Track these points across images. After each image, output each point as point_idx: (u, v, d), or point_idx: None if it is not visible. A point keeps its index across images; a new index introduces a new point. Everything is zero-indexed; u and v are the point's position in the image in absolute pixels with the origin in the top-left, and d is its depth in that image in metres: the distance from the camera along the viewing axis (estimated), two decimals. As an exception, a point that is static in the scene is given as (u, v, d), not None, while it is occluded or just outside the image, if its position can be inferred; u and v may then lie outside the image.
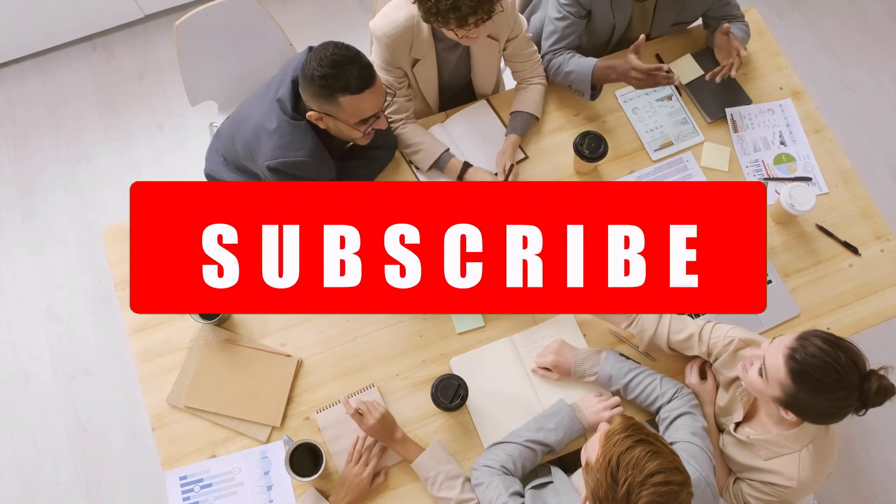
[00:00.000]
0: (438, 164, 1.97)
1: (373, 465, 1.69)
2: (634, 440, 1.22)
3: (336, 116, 1.62)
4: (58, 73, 3.08)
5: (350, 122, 1.63)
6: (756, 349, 1.49)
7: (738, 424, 1.61)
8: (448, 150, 1.98)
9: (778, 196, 1.92)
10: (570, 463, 1.84)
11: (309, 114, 1.64)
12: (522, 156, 2.04)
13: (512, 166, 1.91)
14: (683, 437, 1.53)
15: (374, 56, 1.94)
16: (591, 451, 1.28)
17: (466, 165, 1.97)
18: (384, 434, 1.67)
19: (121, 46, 3.12)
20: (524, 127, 2.01)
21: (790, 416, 1.42)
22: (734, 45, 1.92)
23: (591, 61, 1.96)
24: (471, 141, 2.05)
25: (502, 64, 2.13)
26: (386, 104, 1.67)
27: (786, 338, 1.40)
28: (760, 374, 1.42)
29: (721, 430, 1.69)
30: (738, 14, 2.06)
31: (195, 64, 2.19)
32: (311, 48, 1.66)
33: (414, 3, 1.69)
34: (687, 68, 2.11)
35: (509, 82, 2.29)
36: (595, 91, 2.01)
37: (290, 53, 2.33)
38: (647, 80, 1.85)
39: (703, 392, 1.70)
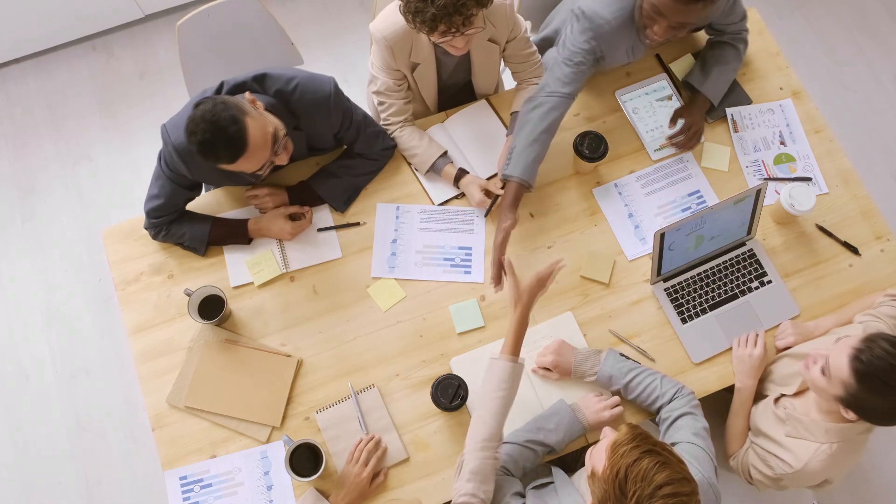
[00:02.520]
0: (434, 169, 1.98)
1: (372, 466, 1.69)
2: (642, 451, 1.21)
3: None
4: (58, 73, 3.08)
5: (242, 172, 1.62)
6: (821, 348, 1.52)
7: (783, 396, 1.65)
8: (444, 154, 1.98)
9: (778, 196, 1.92)
10: (570, 463, 1.84)
11: None
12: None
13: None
14: (685, 438, 1.53)
15: (373, 57, 1.94)
16: (598, 460, 1.27)
17: (461, 173, 1.96)
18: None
19: (121, 46, 3.12)
20: (525, 127, 2.00)
21: (850, 415, 1.44)
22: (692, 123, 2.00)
23: (524, 171, 1.81)
24: (471, 141, 2.04)
25: (502, 65, 2.12)
26: (278, 145, 1.61)
27: (851, 338, 1.42)
28: (823, 373, 1.44)
29: (764, 395, 1.73)
30: (742, 23, 2.00)
31: (196, 64, 2.19)
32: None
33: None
34: (687, 69, 2.11)
35: (508, 82, 2.29)
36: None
37: (291, 53, 2.33)
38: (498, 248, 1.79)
39: (760, 363, 1.75)
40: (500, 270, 1.78)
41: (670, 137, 2.01)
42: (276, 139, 1.60)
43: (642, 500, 1.18)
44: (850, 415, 1.44)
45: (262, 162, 1.59)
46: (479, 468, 1.48)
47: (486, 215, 1.97)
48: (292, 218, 1.93)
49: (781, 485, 1.62)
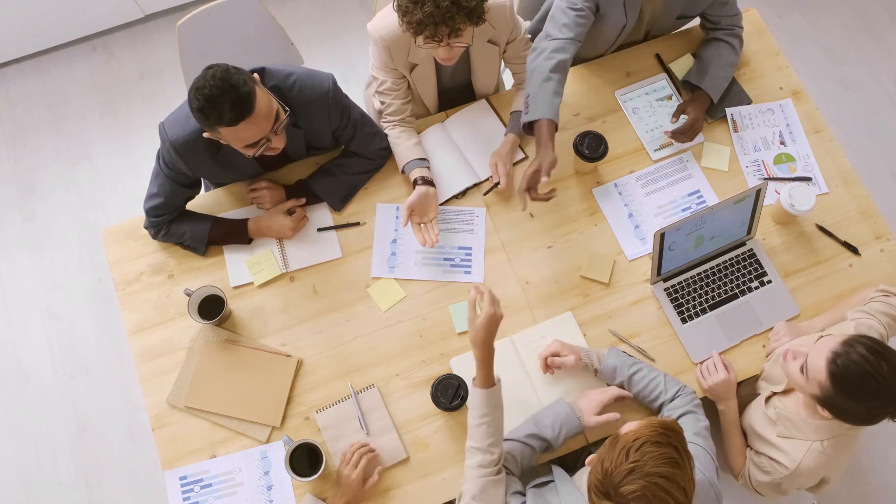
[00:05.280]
0: (406, 170, 1.93)
1: (362, 467, 1.67)
2: (670, 441, 1.22)
3: (220, 139, 1.61)
4: (58, 73, 3.08)
5: (236, 146, 1.62)
6: (803, 345, 1.51)
7: (774, 395, 1.65)
8: (415, 160, 1.91)
9: (778, 196, 1.92)
10: (570, 463, 1.84)
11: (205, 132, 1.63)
12: (522, 156, 2.03)
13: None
14: (686, 437, 1.52)
15: (371, 58, 1.94)
16: (630, 426, 1.28)
17: (421, 181, 1.88)
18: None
19: (121, 46, 3.12)
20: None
21: (825, 414, 1.44)
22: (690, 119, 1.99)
23: (547, 108, 1.77)
24: (470, 141, 2.04)
25: (502, 65, 2.12)
26: (279, 125, 1.61)
27: (831, 340, 1.41)
28: (802, 371, 1.45)
29: (757, 394, 1.73)
30: (736, 18, 2.01)
31: (196, 64, 2.18)
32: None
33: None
34: (687, 68, 2.11)
35: (508, 83, 2.29)
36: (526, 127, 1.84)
37: (292, 53, 2.33)
38: (530, 180, 1.75)
39: (730, 386, 1.73)
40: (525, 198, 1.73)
41: (669, 132, 2.01)
42: (277, 116, 1.61)
43: (635, 470, 1.18)
44: (826, 413, 1.44)
45: (262, 134, 1.58)
46: (482, 488, 1.49)
47: (484, 193, 1.97)
48: (290, 213, 1.93)
49: (783, 489, 1.62)
